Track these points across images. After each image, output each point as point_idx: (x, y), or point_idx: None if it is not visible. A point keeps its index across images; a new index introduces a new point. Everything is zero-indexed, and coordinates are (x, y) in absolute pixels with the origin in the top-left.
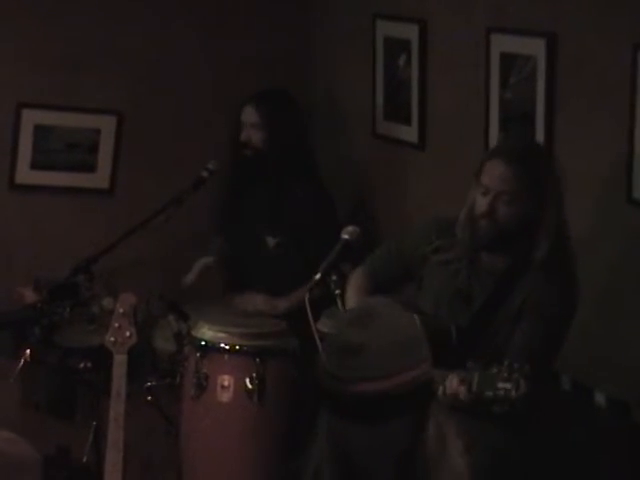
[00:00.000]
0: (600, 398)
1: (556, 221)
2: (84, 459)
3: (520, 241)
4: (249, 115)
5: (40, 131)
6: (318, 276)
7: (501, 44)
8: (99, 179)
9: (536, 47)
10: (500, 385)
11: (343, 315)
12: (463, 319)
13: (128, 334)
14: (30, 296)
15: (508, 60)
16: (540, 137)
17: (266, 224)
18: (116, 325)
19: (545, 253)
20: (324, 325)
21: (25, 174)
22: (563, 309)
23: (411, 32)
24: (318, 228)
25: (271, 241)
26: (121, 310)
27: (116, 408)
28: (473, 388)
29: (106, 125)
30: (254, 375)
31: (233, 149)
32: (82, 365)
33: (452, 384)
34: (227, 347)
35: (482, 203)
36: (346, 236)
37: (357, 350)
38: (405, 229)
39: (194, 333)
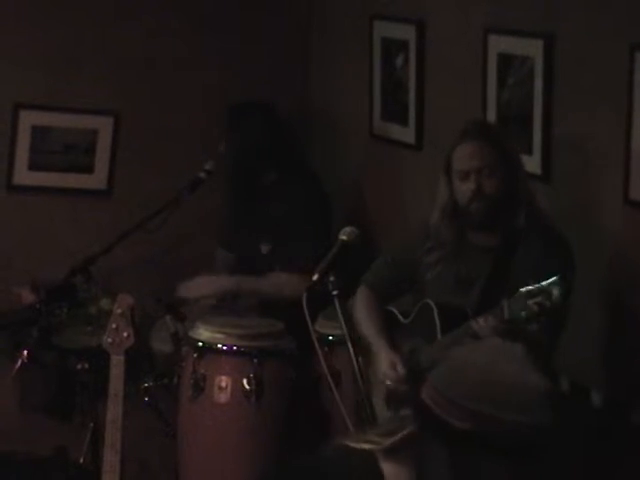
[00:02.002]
0: (597, 398)
1: (525, 185)
2: (81, 460)
3: (505, 215)
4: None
5: (37, 132)
6: (316, 277)
7: (499, 45)
8: (96, 180)
9: (533, 48)
10: (531, 302)
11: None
12: (469, 303)
13: (125, 335)
14: (28, 297)
15: (506, 61)
16: (537, 138)
17: (259, 232)
18: (113, 326)
19: (523, 218)
20: (322, 326)
21: (23, 175)
22: (561, 270)
23: (409, 33)
24: (309, 231)
25: (264, 248)
26: (119, 311)
27: (113, 409)
28: (505, 316)
29: (103, 126)
30: (251, 376)
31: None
32: (80, 366)
33: (480, 322)
34: (224, 348)
35: (466, 188)
36: (344, 237)
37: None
38: (402, 230)
39: (191, 334)
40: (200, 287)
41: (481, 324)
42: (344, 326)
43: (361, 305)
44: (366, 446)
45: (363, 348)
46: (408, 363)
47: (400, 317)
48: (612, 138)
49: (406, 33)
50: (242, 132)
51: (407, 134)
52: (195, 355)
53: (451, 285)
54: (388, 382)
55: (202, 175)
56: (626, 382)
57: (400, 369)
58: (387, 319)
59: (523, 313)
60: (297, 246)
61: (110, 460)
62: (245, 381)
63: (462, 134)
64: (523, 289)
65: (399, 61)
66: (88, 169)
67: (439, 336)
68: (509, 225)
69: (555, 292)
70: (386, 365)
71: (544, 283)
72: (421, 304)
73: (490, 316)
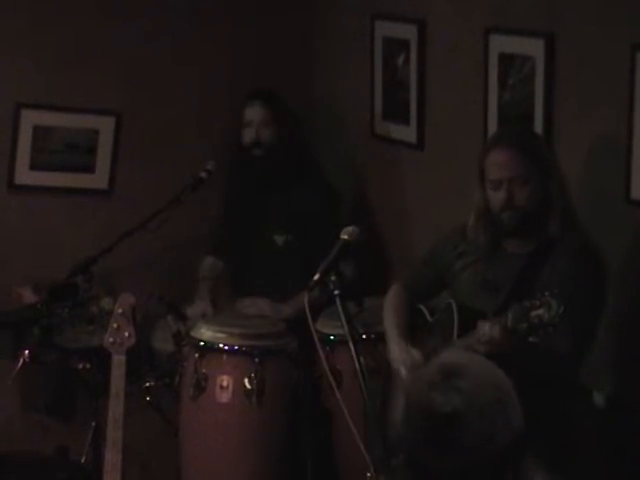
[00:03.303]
0: (599, 399)
1: (561, 194)
2: (83, 459)
3: (539, 224)
4: (257, 113)
5: (39, 132)
6: (317, 276)
7: (500, 44)
8: (98, 180)
9: (535, 47)
10: (533, 314)
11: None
12: (492, 307)
13: (127, 334)
14: (29, 297)
15: (507, 60)
16: None
17: (274, 223)
18: (115, 325)
19: (558, 228)
20: (323, 325)
21: (24, 175)
22: (588, 290)
23: (410, 32)
24: (326, 223)
25: (279, 239)
26: (120, 310)
27: (115, 408)
28: (508, 324)
29: (105, 126)
30: (253, 375)
31: (237, 151)
32: (81, 366)
33: (485, 330)
34: (226, 347)
35: (498, 197)
36: (345, 236)
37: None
38: (403, 229)
39: (193, 333)
40: (263, 310)
41: (485, 331)
42: (345, 326)
43: (388, 300)
44: None
45: (368, 348)
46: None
47: (428, 316)
48: (613, 138)
49: (407, 32)
50: (280, 125)
51: (408, 134)
52: (197, 355)
53: (478, 289)
54: (403, 370)
55: (203, 175)
56: (629, 383)
57: (417, 355)
58: (413, 317)
59: (524, 325)
60: (321, 240)
61: (112, 459)
62: (246, 380)
63: (496, 138)
64: (527, 301)
65: (400, 60)
66: (89, 169)
67: (455, 337)
68: (542, 233)
69: (554, 305)
70: (398, 353)
71: (547, 295)
72: (445, 305)
73: (496, 323)
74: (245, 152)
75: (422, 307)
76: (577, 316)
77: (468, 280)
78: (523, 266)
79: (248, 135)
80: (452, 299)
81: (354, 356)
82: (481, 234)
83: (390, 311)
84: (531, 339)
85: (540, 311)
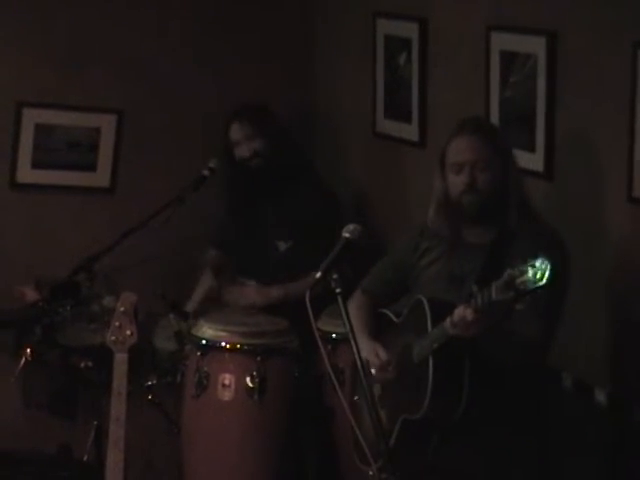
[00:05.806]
0: (601, 397)
1: (518, 186)
2: (85, 458)
3: (498, 212)
4: (239, 133)
5: (41, 130)
6: (319, 274)
7: (501, 42)
8: (100, 178)
9: (536, 45)
10: (519, 281)
11: None
12: (460, 299)
13: (129, 333)
14: (31, 295)
15: (508, 58)
16: (540, 135)
17: (275, 229)
18: (117, 324)
19: (515, 218)
20: (325, 324)
21: (26, 173)
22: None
23: (411, 30)
24: (327, 227)
25: (282, 245)
26: (122, 309)
27: (117, 407)
28: (493, 296)
29: (107, 124)
30: (255, 374)
31: (232, 165)
32: (83, 364)
33: (459, 312)
34: (228, 346)
35: (459, 181)
36: (347, 235)
37: None
38: (405, 228)
39: (195, 332)
40: (249, 296)
41: (461, 313)
42: (347, 324)
43: (351, 306)
44: None
45: None
46: (401, 359)
47: (393, 317)
48: (615, 135)
49: (409, 31)
50: (267, 134)
51: (410, 132)
52: (199, 353)
53: (445, 283)
54: (373, 370)
55: (206, 173)
56: (630, 380)
57: (382, 354)
58: (378, 320)
59: (511, 293)
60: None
61: (114, 458)
62: (248, 379)
63: (458, 128)
64: (509, 270)
65: (402, 59)
66: (91, 167)
67: (430, 328)
68: (502, 223)
69: (538, 265)
70: (367, 353)
71: (528, 262)
72: (413, 301)
73: (469, 305)
74: (242, 165)
75: (386, 311)
76: (543, 300)
77: (434, 276)
78: (487, 256)
79: (242, 152)
80: (421, 296)
81: (356, 354)
82: (443, 225)
83: (353, 315)
84: (518, 307)
85: (525, 277)
